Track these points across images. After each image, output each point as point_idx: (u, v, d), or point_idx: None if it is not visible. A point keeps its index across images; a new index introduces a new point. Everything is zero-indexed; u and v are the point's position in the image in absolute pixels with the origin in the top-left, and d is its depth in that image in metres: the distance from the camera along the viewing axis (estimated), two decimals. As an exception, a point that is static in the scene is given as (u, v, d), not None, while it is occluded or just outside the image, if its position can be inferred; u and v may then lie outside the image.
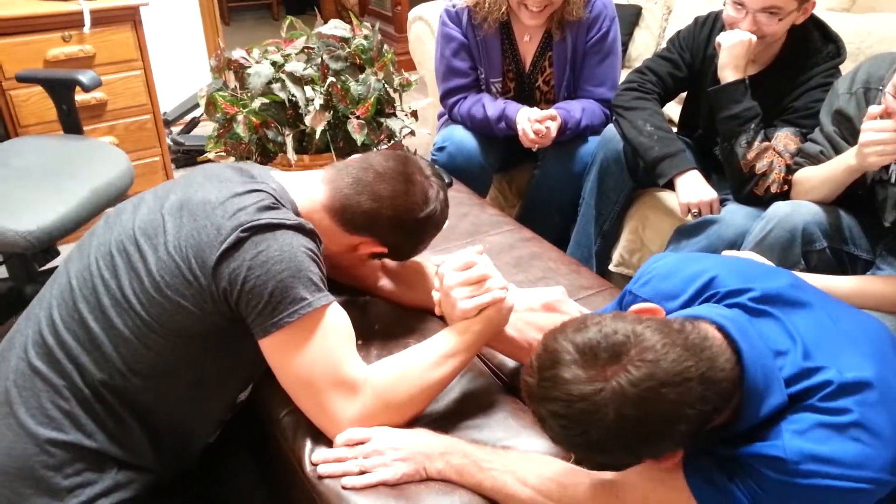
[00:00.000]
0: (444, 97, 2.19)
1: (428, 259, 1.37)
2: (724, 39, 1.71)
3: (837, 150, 1.57)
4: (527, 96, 2.17)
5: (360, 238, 1.21)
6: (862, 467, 0.85)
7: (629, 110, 1.90)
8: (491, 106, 2.09)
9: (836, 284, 1.37)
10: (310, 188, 1.19)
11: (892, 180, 1.47)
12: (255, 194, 1.09)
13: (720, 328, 0.90)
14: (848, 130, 1.55)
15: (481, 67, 2.12)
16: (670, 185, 1.83)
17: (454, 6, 2.10)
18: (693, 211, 1.78)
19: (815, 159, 1.59)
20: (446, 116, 2.27)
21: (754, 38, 1.67)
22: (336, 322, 1.08)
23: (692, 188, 1.78)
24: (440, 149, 2.12)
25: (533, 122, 1.98)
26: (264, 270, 1.02)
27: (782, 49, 1.75)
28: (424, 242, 1.26)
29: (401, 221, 1.19)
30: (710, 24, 1.87)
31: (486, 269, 1.13)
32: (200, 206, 1.08)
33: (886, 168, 1.46)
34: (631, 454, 0.87)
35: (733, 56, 1.69)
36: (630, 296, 1.10)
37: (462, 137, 2.10)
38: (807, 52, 1.73)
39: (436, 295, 1.17)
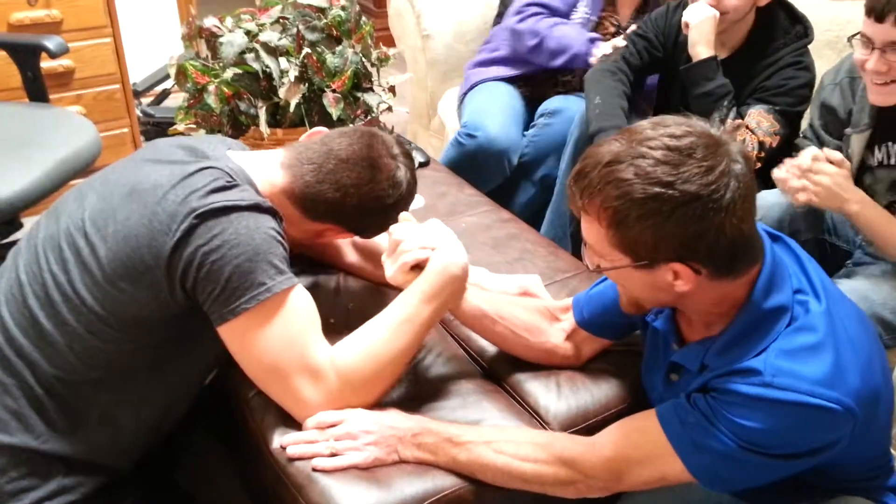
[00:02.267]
0: (527, 4, 2.15)
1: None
2: (690, 17, 1.73)
3: (823, 145, 1.57)
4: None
5: (324, 225, 1.18)
6: (831, 387, 0.87)
7: (589, 82, 1.91)
8: (560, 38, 2.08)
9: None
10: (268, 171, 1.14)
11: (878, 163, 1.47)
12: (208, 172, 1.05)
13: None
14: (832, 123, 1.56)
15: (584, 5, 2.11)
16: None
17: None
18: None
19: None
20: (472, 89, 2.24)
21: (717, 13, 1.69)
22: (298, 305, 1.04)
23: None
24: (470, 136, 2.07)
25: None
26: (220, 255, 0.99)
27: (750, 32, 1.76)
28: (392, 221, 1.22)
29: (367, 209, 1.15)
30: (682, 11, 1.85)
31: (398, 235, 1.11)
32: (151, 191, 1.03)
33: (872, 153, 1.47)
34: (682, 220, 0.85)
35: (702, 32, 1.70)
36: None
37: (498, 133, 2.06)
38: (774, 34, 1.74)
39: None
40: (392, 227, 1.14)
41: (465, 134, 2.09)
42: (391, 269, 1.12)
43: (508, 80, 2.24)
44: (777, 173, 1.40)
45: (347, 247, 1.41)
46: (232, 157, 1.14)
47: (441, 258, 1.10)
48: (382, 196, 1.15)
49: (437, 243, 1.11)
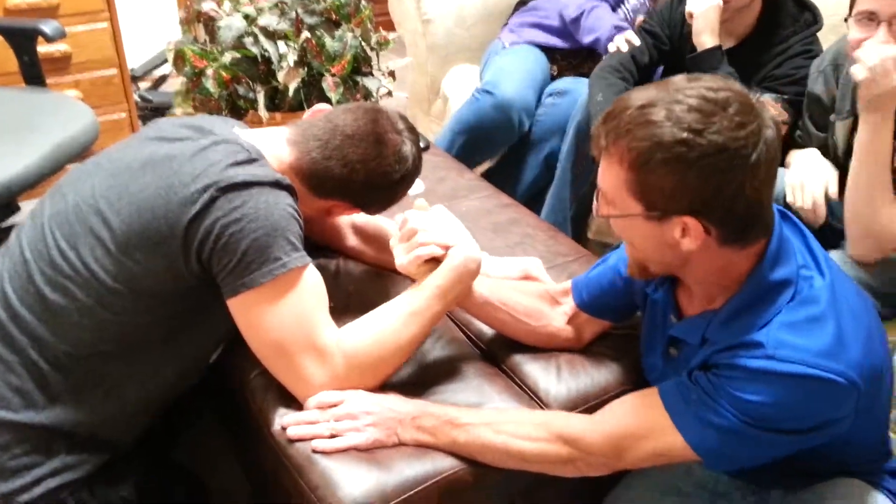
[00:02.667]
0: None
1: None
2: (694, 7, 1.72)
3: (810, 138, 1.58)
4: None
5: (331, 201, 1.17)
6: (835, 359, 0.87)
7: (594, 77, 1.91)
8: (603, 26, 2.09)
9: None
10: (276, 147, 1.14)
11: None
12: (224, 147, 1.05)
13: None
14: (818, 113, 1.56)
15: None
16: None
17: None
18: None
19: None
20: (502, 46, 2.25)
21: (721, 1, 1.68)
22: (311, 284, 1.05)
23: None
24: (488, 92, 2.08)
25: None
26: (238, 228, 0.99)
27: (757, 20, 1.75)
28: (399, 196, 1.23)
29: (374, 184, 1.15)
30: (686, 1, 1.84)
31: (416, 224, 1.11)
32: (166, 163, 1.03)
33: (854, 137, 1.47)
34: (706, 173, 0.85)
35: (708, 21, 1.69)
36: None
37: (513, 96, 2.06)
38: (782, 22, 1.73)
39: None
40: (408, 214, 1.13)
41: (483, 90, 2.10)
42: (404, 258, 1.11)
43: (546, 49, 2.25)
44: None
45: (348, 230, 1.41)
46: (240, 133, 1.14)
47: (459, 255, 1.10)
48: (389, 171, 1.15)
49: (454, 240, 1.11)
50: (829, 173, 1.49)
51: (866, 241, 1.36)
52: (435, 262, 1.11)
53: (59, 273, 1.03)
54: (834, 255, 1.38)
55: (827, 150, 1.55)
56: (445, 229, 1.12)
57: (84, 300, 1.02)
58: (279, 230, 1.01)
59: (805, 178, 1.49)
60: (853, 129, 1.46)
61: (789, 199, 1.49)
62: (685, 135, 0.84)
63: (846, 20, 1.36)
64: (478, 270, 1.13)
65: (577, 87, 2.09)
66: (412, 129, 1.20)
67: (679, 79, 0.90)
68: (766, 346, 0.88)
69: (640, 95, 0.88)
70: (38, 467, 1.03)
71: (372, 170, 1.14)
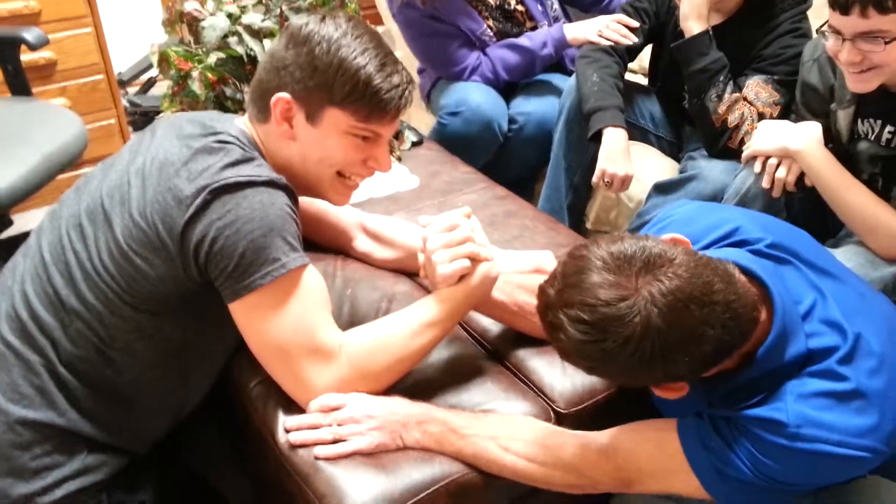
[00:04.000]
0: (457, 73, 2.07)
1: (415, 220, 1.32)
2: None
3: None
4: (513, 31, 2.11)
5: (278, 97, 1.05)
6: (862, 436, 0.85)
7: (584, 58, 1.87)
8: (525, 40, 2.03)
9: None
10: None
11: (860, 136, 1.46)
12: (220, 148, 1.02)
13: (745, 271, 0.90)
14: (815, 100, 1.54)
15: (461, 26, 2.04)
16: (600, 141, 1.78)
17: None
18: (606, 180, 1.74)
19: None
20: (434, 77, 2.19)
21: None
22: (311, 285, 1.03)
23: (612, 154, 1.74)
24: (454, 114, 2.01)
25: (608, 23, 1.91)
26: (234, 230, 0.97)
27: None
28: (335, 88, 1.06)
29: (311, 61, 1.03)
30: None
31: (469, 232, 1.07)
32: (163, 167, 1.02)
33: (856, 126, 1.45)
34: (642, 369, 0.84)
35: (695, 5, 1.66)
36: None
37: (480, 102, 1.99)
38: (771, 0, 1.70)
39: (421, 257, 1.11)
40: (456, 220, 1.07)
41: (447, 114, 2.03)
42: (448, 268, 1.05)
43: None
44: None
45: (357, 230, 1.39)
46: (238, 122, 1.11)
47: (486, 271, 1.07)
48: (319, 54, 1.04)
49: (492, 253, 1.09)
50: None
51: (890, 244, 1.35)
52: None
53: (72, 275, 1.03)
54: (854, 256, 1.36)
55: (825, 135, 1.54)
56: (486, 242, 1.09)
57: (94, 303, 1.02)
58: (276, 230, 0.99)
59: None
60: (856, 118, 1.45)
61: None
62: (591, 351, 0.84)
63: (818, 31, 1.36)
64: (494, 283, 1.11)
65: (539, 108, 2.04)
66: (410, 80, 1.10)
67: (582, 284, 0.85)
68: (788, 424, 0.86)
69: (601, 293, 0.83)
70: (59, 468, 1.03)
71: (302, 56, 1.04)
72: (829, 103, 1.51)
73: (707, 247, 1.00)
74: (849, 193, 1.37)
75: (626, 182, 1.75)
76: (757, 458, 0.87)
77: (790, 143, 1.40)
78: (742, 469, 0.88)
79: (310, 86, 1.04)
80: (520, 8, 2.10)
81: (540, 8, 2.10)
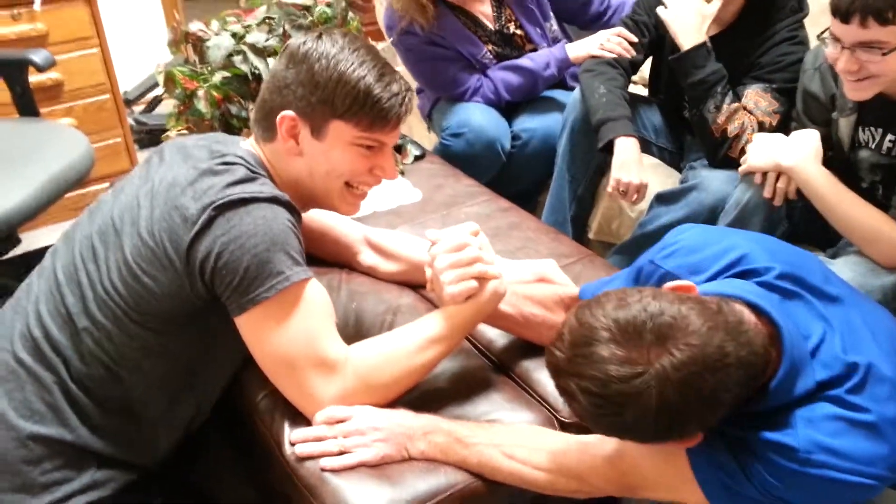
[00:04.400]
0: (458, 95, 2.09)
1: (419, 233, 1.33)
2: (665, 14, 1.71)
3: None
4: (512, 54, 2.13)
5: (283, 115, 1.08)
6: (872, 464, 0.85)
7: (589, 72, 1.89)
8: (527, 61, 2.05)
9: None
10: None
11: (861, 144, 1.47)
12: (225, 169, 1.05)
13: (754, 308, 0.88)
14: (815, 108, 1.55)
15: (461, 51, 2.07)
16: (611, 151, 1.79)
17: (394, 26, 2.05)
18: (621, 189, 1.75)
19: None
20: (434, 97, 2.20)
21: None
22: (316, 298, 1.04)
23: (626, 163, 1.74)
24: (456, 135, 2.03)
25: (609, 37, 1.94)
26: (238, 245, 0.99)
27: (742, 7, 1.73)
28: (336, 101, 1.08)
29: (312, 78, 1.06)
30: None
31: (477, 252, 1.08)
32: (170, 188, 1.04)
33: (857, 134, 1.46)
34: (661, 435, 0.84)
35: (688, 25, 1.68)
36: (651, 265, 1.06)
37: (482, 123, 2.01)
38: (767, 8, 1.71)
39: (428, 272, 1.12)
40: (464, 238, 1.08)
41: (450, 135, 2.04)
42: (455, 288, 1.06)
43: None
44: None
45: (362, 245, 1.40)
46: (243, 145, 1.13)
47: (493, 290, 1.09)
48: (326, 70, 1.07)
49: (500, 271, 1.09)
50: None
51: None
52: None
53: (84, 295, 1.04)
54: (855, 266, 1.36)
55: (825, 143, 1.55)
56: (494, 257, 1.10)
57: (103, 322, 1.03)
58: (278, 244, 1.00)
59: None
60: (857, 126, 1.46)
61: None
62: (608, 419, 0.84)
63: (820, 37, 1.37)
64: (501, 300, 1.12)
65: (543, 124, 2.05)
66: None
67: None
68: (799, 449, 0.85)
69: (613, 370, 0.81)
70: (68, 483, 1.04)
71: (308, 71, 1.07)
72: (830, 112, 1.51)
73: (714, 276, 0.99)
74: (846, 206, 1.37)
75: (640, 190, 1.75)
76: (766, 479, 0.87)
77: (783, 160, 1.41)
78: (750, 488, 0.88)
79: (312, 101, 1.06)
80: (519, 32, 2.12)
81: (539, 31, 2.12)
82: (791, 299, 0.94)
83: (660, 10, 1.73)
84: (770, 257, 0.98)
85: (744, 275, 0.97)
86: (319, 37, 1.09)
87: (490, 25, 2.10)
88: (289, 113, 1.07)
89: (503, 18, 2.11)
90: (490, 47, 2.11)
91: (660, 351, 0.80)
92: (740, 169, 1.49)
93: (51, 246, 1.16)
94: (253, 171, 1.06)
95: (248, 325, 1.03)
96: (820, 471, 0.85)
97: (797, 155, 1.41)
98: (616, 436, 0.89)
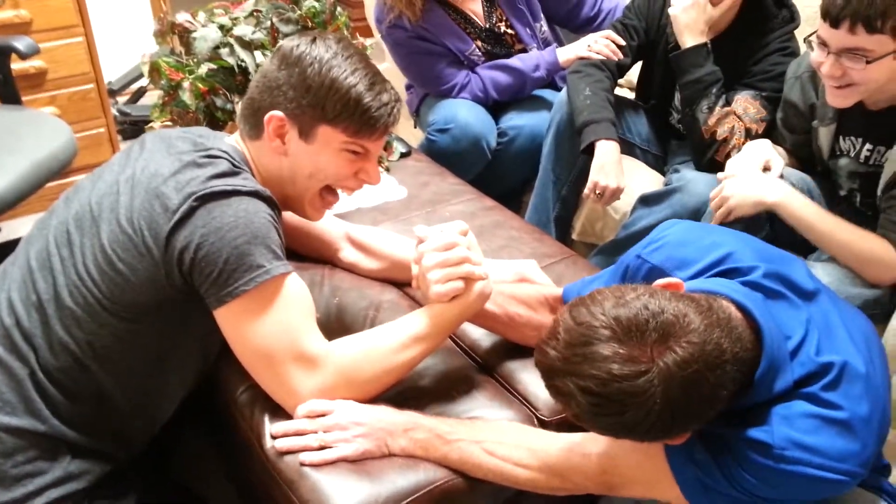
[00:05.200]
0: (445, 91, 2.09)
1: (403, 230, 1.33)
2: (673, 9, 1.72)
3: (784, 140, 1.60)
4: (501, 52, 2.13)
5: (271, 115, 1.08)
6: (844, 461, 0.86)
7: (576, 73, 1.90)
8: (517, 61, 2.06)
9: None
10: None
11: (840, 153, 1.49)
12: (209, 162, 1.04)
13: (739, 306, 0.89)
14: (794, 117, 1.57)
15: (449, 46, 2.07)
16: (592, 153, 1.80)
17: (383, 19, 2.05)
18: (598, 192, 1.76)
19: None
20: (422, 93, 2.21)
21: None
22: (296, 292, 1.04)
23: (605, 167, 1.76)
24: (442, 130, 2.03)
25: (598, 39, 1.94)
26: (218, 237, 0.98)
27: (737, 15, 1.75)
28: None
29: (303, 81, 1.07)
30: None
31: (466, 253, 1.08)
32: (152, 178, 1.03)
33: (837, 143, 1.48)
34: (658, 434, 0.84)
35: (692, 21, 1.69)
36: (638, 260, 1.06)
37: (468, 119, 2.01)
38: (761, 18, 1.74)
39: (414, 269, 1.12)
40: (452, 238, 1.08)
41: (436, 131, 2.04)
42: (442, 288, 1.06)
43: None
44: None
45: (343, 241, 1.40)
46: (228, 140, 1.13)
47: (479, 291, 1.09)
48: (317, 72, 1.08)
49: (487, 272, 1.09)
50: (770, 152, 1.50)
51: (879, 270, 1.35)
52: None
53: (55, 281, 1.04)
54: (833, 271, 1.37)
55: (802, 151, 1.57)
56: (481, 258, 1.10)
57: (73, 309, 1.02)
58: (259, 238, 1.00)
59: (743, 158, 1.51)
60: (837, 135, 1.48)
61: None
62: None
63: (806, 40, 1.38)
64: (487, 300, 1.12)
65: (531, 122, 2.06)
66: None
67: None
68: (773, 445, 0.86)
69: (615, 368, 0.80)
70: (41, 475, 1.02)
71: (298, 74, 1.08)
72: (809, 121, 1.53)
73: (699, 273, 1.00)
74: (835, 233, 1.37)
75: (616, 194, 1.77)
76: (741, 475, 0.88)
77: (766, 197, 1.40)
78: (725, 484, 0.90)
79: (303, 104, 1.07)
80: (509, 31, 2.13)
81: (528, 31, 2.13)
82: (775, 299, 0.95)
83: (671, 9, 1.74)
84: (755, 256, 0.99)
85: (728, 273, 0.98)
86: (314, 41, 1.10)
87: (480, 23, 2.11)
88: (277, 113, 1.08)
89: (493, 17, 2.12)
90: (479, 44, 2.11)
91: (662, 349, 0.79)
92: (717, 215, 1.47)
93: (30, 235, 1.15)
94: (236, 166, 1.06)
95: (227, 319, 1.02)
96: (794, 467, 0.85)
97: (779, 191, 1.41)
98: (613, 435, 0.88)
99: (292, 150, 1.10)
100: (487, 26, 2.11)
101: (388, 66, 2.34)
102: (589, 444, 1.00)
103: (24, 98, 2.19)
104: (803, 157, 1.58)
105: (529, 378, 1.19)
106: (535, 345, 0.88)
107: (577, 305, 0.85)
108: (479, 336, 1.28)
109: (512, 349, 1.24)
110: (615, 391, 0.79)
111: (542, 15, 2.16)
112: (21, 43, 2.03)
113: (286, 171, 1.12)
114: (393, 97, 1.10)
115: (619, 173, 1.76)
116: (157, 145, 1.10)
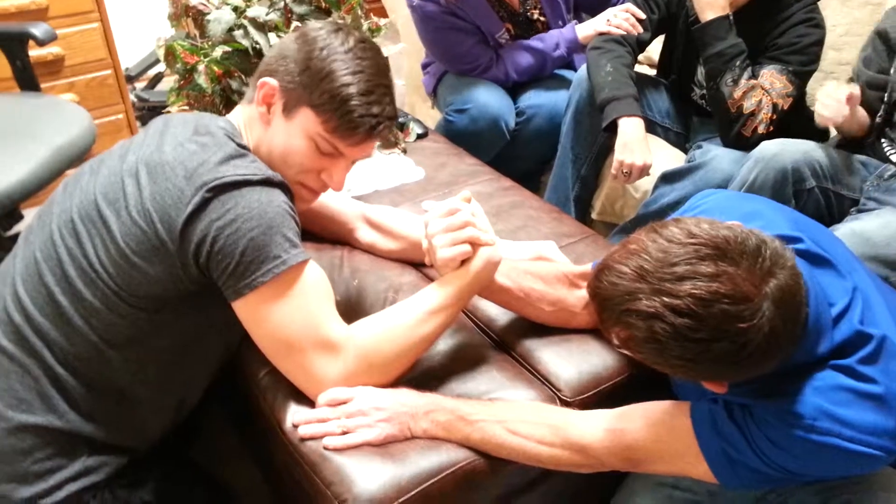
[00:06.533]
0: (468, 70, 2.08)
1: (421, 211, 1.31)
2: None
3: (857, 77, 1.56)
4: (529, 37, 2.12)
5: (264, 80, 1.09)
6: (877, 435, 0.84)
7: (596, 49, 1.87)
8: (537, 42, 2.05)
9: None
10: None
11: None
12: (213, 143, 1.03)
13: None
14: (882, 47, 1.53)
15: (480, 26, 2.05)
16: (615, 131, 1.78)
17: None
18: (624, 171, 1.74)
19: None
20: (440, 73, 2.19)
21: None
22: (313, 279, 1.04)
23: (629, 144, 1.73)
24: (460, 111, 2.02)
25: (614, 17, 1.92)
26: (234, 229, 0.98)
27: None
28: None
29: (306, 60, 1.07)
30: None
31: (469, 217, 1.07)
32: (160, 167, 1.02)
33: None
34: (730, 372, 0.81)
35: None
36: None
37: (486, 99, 2.01)
38: None
39: (424, 243, 1.11)
40: (456, 204, 1.08)
41: (454, 111, 2.04)
42: (448, 252, 1.06)
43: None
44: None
45: (359, 221, 1.40)
46: (235, 111, 1.14)
47: (487, 255, 1.08)
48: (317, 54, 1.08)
49: (493, 238, 1.09)
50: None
51: None
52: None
53: (65, 273, 1.03)
54: (852, 227, 1.34)
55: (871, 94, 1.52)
56: (487, 226, 1.09)
57: (91, 300, 1.02)
58: (275, 227, 1.00)
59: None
60: None
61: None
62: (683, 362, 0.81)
63: None
64: (497, 268, 1.11)
65: (550, 101, 2.04)
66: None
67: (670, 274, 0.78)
68: (804, 415, 0.85)
69: (725, 288, 0.76)
70: (60, 471, 1.03)
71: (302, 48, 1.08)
72: (890, 58, 1.49)
73: None
74: None
75: (644, 171, 1.74)
76: (770, 446, 0.87)
77: None
78: (754, 459, 0.88)
79: (297, 80, 1.07)
80: (541, 19, 2.12)
81: (560, 23, 2.12)
82: (819, 266, 0.93)
83: None
84: (793, 226, 0.97)
85: None
86: (337, 31, 1.09)
87: (514, 8, 2.09)
88: (271, 81, 1.08)
89: (528, 4, 2.10)
90: (509, 26, 2.09)
91: (768, 277, 0.77)
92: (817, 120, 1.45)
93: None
94: (239, 145, 1.06)
95: (246, 310, 1.02)
96: (824, 437, 0.84)
97: None
98: (679, 370, 0.82)
99: (273, 122, 1.10)
100: (521, 11, 2.09)
101: (404, 46, 2.32)
102: (612, 420, 1.00)
103: (42, 85, 2.19)
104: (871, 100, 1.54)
105: (549, 357, 1.18)
106: (596, 270, 0.85)
107: (660, 227, 0.81)
108: (496, 314, 1.27)
109: (529, 327, 1.23)
110: (717, 313, 0.75)
111: (571, 10, 2.15)
112: (38, 29, 2.03)
113: (265, 144, 1.10)
114: (385, 113, 1.08)
115: (644, 150, 1.74)
116: (157, 132, 1.09)
